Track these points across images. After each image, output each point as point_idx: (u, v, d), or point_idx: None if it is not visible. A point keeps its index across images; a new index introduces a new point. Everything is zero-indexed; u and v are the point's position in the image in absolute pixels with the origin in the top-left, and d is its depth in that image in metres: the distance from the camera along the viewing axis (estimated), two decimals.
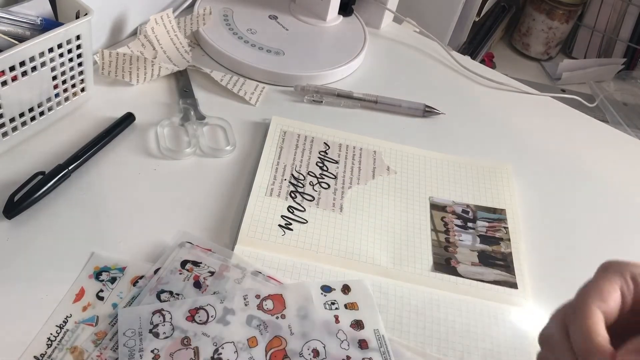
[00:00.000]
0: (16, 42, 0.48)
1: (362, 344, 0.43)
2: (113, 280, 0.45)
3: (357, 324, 0.44)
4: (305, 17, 0.76)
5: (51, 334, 0.41)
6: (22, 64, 0.48)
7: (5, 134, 0.51)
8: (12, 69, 0.48)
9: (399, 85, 0.72)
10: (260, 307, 0.44)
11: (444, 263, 0.51)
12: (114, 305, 0.43)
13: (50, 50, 0.50)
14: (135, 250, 0.47)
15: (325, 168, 0.58)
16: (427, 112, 0.68)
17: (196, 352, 0.41)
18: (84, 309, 0.43)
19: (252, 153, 0.58)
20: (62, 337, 0.41)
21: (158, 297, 0.44)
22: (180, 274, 0.45)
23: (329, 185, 0.56)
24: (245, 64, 0.67)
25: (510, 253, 0.53)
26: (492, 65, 1.40)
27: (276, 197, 0.54)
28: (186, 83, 0.64)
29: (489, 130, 0.68)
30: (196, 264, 0.46)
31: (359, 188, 0.56)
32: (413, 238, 0.53)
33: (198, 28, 0.70)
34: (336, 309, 0.45)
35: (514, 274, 0.51)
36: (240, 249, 0.48)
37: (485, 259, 0.52)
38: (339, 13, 0.78)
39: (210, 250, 0.48)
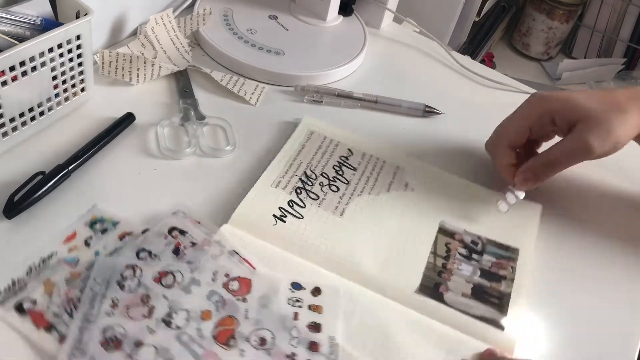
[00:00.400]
0: (16, 42, 0.48)
1: (313, 346, 0.43)
2: (104, 231, 0.47)
3: (315, 327, 0.44)
4: (305, 17, 0.76)
5: (34, 263, 0.44)
6: (22, 64, 0.48)
7: (5, 134, 0.51)
8: (12, 69, 0.48)
9: (399, 85, 0.72)
10: (225, 285, 0.45)
11: (432, 287, 0.49)
12: (96, 253, 0.46)
13: (50, 50, 0.50)
14: (134, 212, 0.50)
15: (341, 172, 0.57)
16: (427, 112, 0.68)
17: (151, 310, 0.43)
18: (70, 250, 0.46)
19: (253, 153, 0.58)
20: (42, 269, 0.44)
21: (137, 254, 0.46)
22: (165, 238, 0.47)
23: (338, 189, 0.55)
24: (245, 64, 0.67)
25: (510, 294, 0.49)
26: (492, 65, 1.40)
27: (281, 190, 0.54)
28: (186, 83, 0.64)
29: (489, 131, 0.68)
30: (182, 232, 0.48)
31: (368, 198, 0.55)
32: (408, 256, 0.51)
33: (198, 28, 0.70)
34: (299, 307, 0.45)
35: (505, 315, 0.48)
36: (229, 229, 0.49)
37: (479, 293, 0.49)
38: (339, 13, 0.78)
39: (199, 222, 0.49)
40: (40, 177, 0.49)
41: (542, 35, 1.44)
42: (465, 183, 0.59)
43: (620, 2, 1.40)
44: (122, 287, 0.44)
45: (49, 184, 0.49)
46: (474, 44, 1.31)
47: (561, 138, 0.55)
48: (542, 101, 0.56)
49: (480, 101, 0.73)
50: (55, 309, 0.42)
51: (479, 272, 0.51)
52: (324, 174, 0.56)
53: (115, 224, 0.48)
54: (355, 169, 0.58)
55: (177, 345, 0.41)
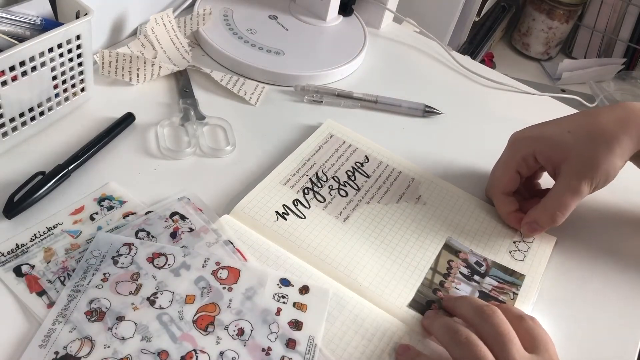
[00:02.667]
0: (16, 42, 0.48)
1: (290, 343, 0.43)
2: (110, 208, 0.49)
3: (296, 324, 0.44)
4: (305, 17, 0.76)
5: (39, 231, 0.47)
6: (22, 64, 0.48)
7: (5, 134, 0.51)
8: (12, 69, 0.48)
9: (399, 85, 0.72)
10: (214, 273, 0.46)
11: (424, 304, 0.47)
12: (99, 228, 0.48)
13: (50, 50, 0.50)
14: (143, 193, 0.52)
15: (353, 178, 0.57)
16: (427, 112, 0.68)
17: (138, 288, 0.44)
18: (75, 222, 0.48)
19: (253, 153, 0.58)
20: (45, 238, 0.46)
21: (136, 233, 0.47)
22: (166, 221, 0.49)
23: (346, 194, 0.55)
24: (245, 64, 0.67)
25: None
26: (492, 65, 1.40)
27: (289, 188, 0.54)
28: (186, 83, 0.64)
29: (489, 131, 0.68)
30: (183, 218, 0.49)
31: (376, 206, 0.55)
32: (405, 270, 0.50)
33: (198, 28, 0.70)
34: (283, 303, 0.45)
35: None
36: (229, 220, 0.50)
37: None
38: (339, 13, 0.78)
39: (201, 210, 0.50)
40: (40, 177, 0.49)
41: (542, 35, 1.44)
42: (481, 204, 0.57)
43: (620, 2, 1.40)
44: (115, 262, 0.45)
45: (49, 184, 0.49)
46: (474, 44, 1.31)
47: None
48: (523, 143, 0.54)
49: (480, 101, 0.73)
50: (50, 276, 0.44)
51: (477, 294, 0.49)
52: (335, 178, 0.56)
53: (122, 203, 0.50)
54: (368, 177, 0.57)
55: (156, 324, 0.42)
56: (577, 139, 0.51)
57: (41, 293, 0.43)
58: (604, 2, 1.41)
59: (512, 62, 1.48)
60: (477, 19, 1.20)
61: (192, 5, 0.73)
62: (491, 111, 0.72)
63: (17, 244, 0.45)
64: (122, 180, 0.52)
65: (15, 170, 0.51)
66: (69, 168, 0.51)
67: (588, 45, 1.49)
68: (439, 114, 0.68)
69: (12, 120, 0.51)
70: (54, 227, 0.47)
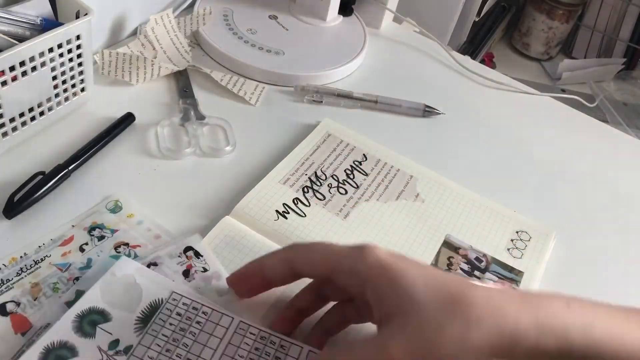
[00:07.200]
0: (16, 42, 0.48)
1: None
2: (101, 238, 0.47)
3: None
4: (305, 17, 0.76)
5: (25, 265, 0.44)
6: (22, 64, 0.48)
7: (5, 134, 0.51)
8: (12, 69, 0.48)
9: (399, 85, 0.72)
10: None
11: None
12: (89, 260, 0.45)
13: (50, 50, 0.50)
14: (143, 200, 0.51)
15: (351, 176, 0.57)
16: (427, 112, 0.68)
17: None
18: (64, 254, 0.45)
19: (253, 153, 0.58)
20: (33, 272, 0.44)
21: (149, 265, 0.45)
22: (179, 257, 0.46)
23: (346, 192, 0.55)
24: (245, 64, 0.67)
25: None
26: (492, 65, 1.40)
27: (288, 187, 0.54)
28: (186, 83, 0.64)
29: (489, 131, 0.68)
30: (198, 255, 0.46)
31: (376, 204, 0.55)
32: None
33: (198, 28, 0.70)
34: None
35: None
36: (231, 221, 0.49)
37: None
38: (339, 13, 0.78)
39: None
40: (40, 177, 0.49)
41: (542, 35, 1.44)
42: (480, 201, 0.57)
43: (620, 2, 1.40)
44: None
45: (49, 184, 0.49)
46: (474, 44, 1.32)
47: None
48: None
49: (480, 101, 0.73)
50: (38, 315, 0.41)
51: None
52: (334, 176, 0.56)
53: (113, 232, 0.47)
54: (367, 175, 0.57)
55: None
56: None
57: (25, 334, 0.39)
58: (604, 2, 1.42)
59: (512, 62, 1.48)
60: (477, 19, 1.20)
61: (192, 5, 0.73)
62: (491, 111, 0.72)
63: (1, 280, 0.43)
64: (122, 181, 0.52)
65: (15, 170, 0.51)
66: (69, 168, 0.51)
67: (588, 45, 1.49)
68: (439, 114, 0.68)
69: (12, 120, 0.51)
70: (42, 259, 0.44)
